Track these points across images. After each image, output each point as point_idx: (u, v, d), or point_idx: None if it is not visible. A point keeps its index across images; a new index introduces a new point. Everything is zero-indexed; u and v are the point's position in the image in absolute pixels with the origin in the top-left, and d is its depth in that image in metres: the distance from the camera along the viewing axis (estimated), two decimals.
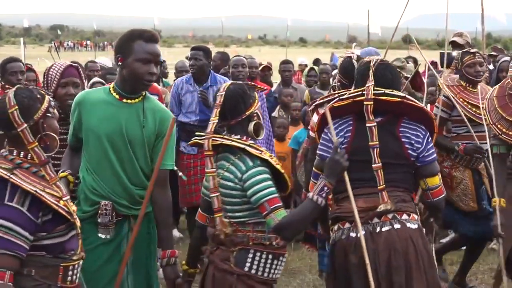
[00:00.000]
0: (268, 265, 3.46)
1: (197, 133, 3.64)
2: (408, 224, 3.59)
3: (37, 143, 2.91)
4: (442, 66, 7.87)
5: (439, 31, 74.55)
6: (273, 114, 7.87)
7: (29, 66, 6.88)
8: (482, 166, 5.54)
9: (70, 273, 2.95)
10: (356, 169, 3.54)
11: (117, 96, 3.71)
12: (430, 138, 3.70)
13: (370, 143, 3.60)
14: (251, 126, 3.48)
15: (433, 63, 10.02)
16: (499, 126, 4.60)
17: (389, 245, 3.56)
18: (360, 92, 3.65)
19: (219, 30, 51.62)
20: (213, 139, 3.43)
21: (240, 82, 3.69)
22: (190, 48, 6.77)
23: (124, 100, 3.70)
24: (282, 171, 3.47)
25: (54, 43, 24.05)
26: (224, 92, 3.49)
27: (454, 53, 7.22)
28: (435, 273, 3.81)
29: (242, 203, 3.40)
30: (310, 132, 5.13)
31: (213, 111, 3.49)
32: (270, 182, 3.35)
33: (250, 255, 3.43)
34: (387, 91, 3.62)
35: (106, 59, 10.42)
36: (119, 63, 3.66)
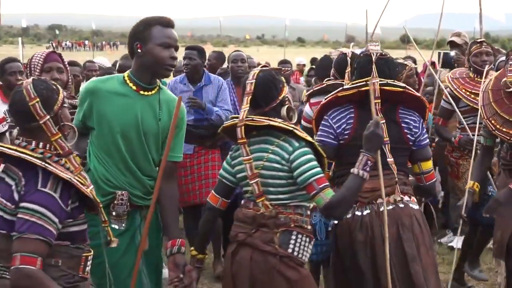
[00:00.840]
0: (306, 247, 3.49)
1: (232, 116, 3.68)
2: (411, 205, 3.82)
3: (60, 134, 2.93)
4: (441, 66, 7.89)
5: (437, 31, 74.36)
6: None
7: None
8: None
9: (88, 263, 2.99)
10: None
11: (134, 87, 3.63)
12: (423, 124, 3.93)
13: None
14: (283, 111, 3.48)
15: (432, 63, 10.01)
16: (492, 121, 4.45)
17: (396, 220, 3.74)
18: (364, 82, 3.79)
19: (218, 30, 51.62)
20: (258, 121, 3.38)
21: (268, 68, 3.67)
22: (184, 49, 6.74)
23: (141, 92, 3.64)
24: (324, 154, 3.48)
25: (52, 43, 24.06)
26: (254, 80, 3.48)
27: (452, 53, 7.24)
28: (434, 254, 4.02)
29: (288, 184, 3.41)
30: (303, 122, 5.16)
31: (244, 98, 3.47)
32: (316, 162, 3.37)
33: (293, 237, 3.44)
34: (389, 81, 3.82)
35: (104, 59, 10.42)
36: (138, 50, 3.57)
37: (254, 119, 3.38)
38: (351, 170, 3.40)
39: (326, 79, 5.22)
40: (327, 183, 3.35)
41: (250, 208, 3.48)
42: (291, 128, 3.38)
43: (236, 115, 3.55)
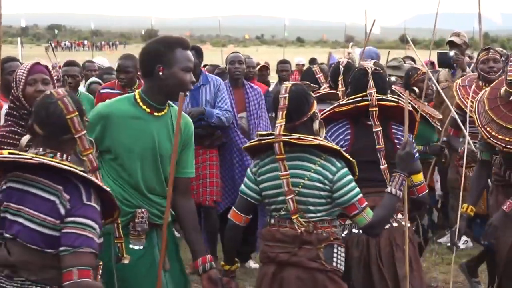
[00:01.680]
0: (343, 258, 3.56)
1: (259, 132, 3.66)
2: (403, 223, 3.92)
3: (92, 149, 2.96)
4: (439, 67, 7.89)
5: (437, 31, 74.39)
6: (269, 114, 7.86)
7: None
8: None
9: (100, 272, 3.00)
10: (358, 170, 3.61)
11: (147, 109, 3.56)
12: (413, 139, 4.14)
13: (377, 146, 3.96)
14: (316, 125, 3.50)
15: (430, 63, 10.00)
16: (488, 129, 4.28)
17: (390, 240, 3.96)
18: (361, 98, 3.98)
19: (217, 30, 51.61)
20: (306, 140, 3.39)
21: (300, 82, 3.70)
22: None
23: (155, 114, 3.58)
24: (354, 163, 3.52)
25: (51, 43, 24.02)
26: (287, 94, 3.49)
27: (451, 53, 7.23)
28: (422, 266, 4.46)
29: (326, 203, 3.45)
30: None
31: (279, 113, 3.47)
32: (355, 183, 3.45)
33: (335, 250, 3.50)
34: (384, 96, 4.03)
35: (103, 59, 10.42)
36: (160, 73, 3.49)
37: (302, 137, 3.39)
38: (387, 190, 3.55)
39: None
40: (366, 203, 3.44)
41: (287, 226, 3.47)
42: (338, 148, 3.47)
43: (265, 132, 3.64)
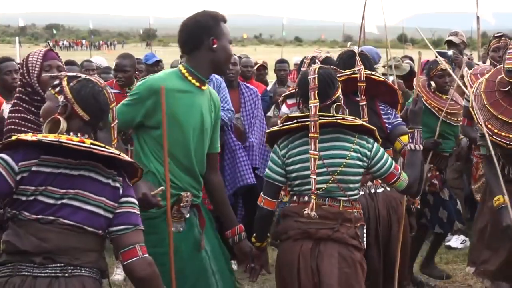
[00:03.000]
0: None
1: (290, 115, 3.70)
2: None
3: (117, 139, 3.04)
4: None
5: (435, 31, 74.58)
6: (268, 114, 7.85)
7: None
8: None
9: None
10: None
11: (196, 83, 3.56)
12: (396, 113, 4.48)
13: (362, 119, 4.12)
14: (333, 109, 3.61)
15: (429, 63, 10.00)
16: (489, 126, 4.05)
17: (387, 203, 4.38)
18: (352, 72, 4.33)
19: None
20: (351, 121, 3.52)
21: (327, 66, 3.78)
22: None
23: (202, 88, 3.58)
24: (379, 140, 3.69)
25: (49, 43, 24.00)
26: (316, 75, 3.59)
27: (450, 53, 7.23)
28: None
29: (359, 180, 3.63)
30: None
31: (310, 94, 3.55)
32: (386, 154, 3.68)
33: (364, 230, 3.71)
34: (373, 73, 4.41)
35: (101, 58, 10.40)
36: (214, 46, 3.50)
37: (346, 118, 3.51)
38: (409, 146, 3.77)
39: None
40: (400, 168, 3.67)
41: (325, 204, 3.56)
42: (374, 129, 3.62)
43: (292, 115, 3.68)
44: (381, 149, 3.63)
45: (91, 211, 2.75)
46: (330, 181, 3.53)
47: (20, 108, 3.64)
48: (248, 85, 6.96)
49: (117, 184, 2.82)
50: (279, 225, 3.73)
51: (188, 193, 3.57)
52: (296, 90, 3.78)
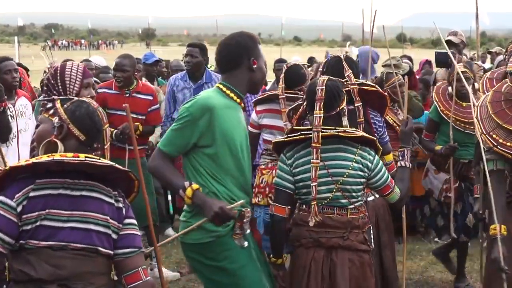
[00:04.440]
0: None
1: (294, 128, 3.86)
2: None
3: None
4: (437, 66, 7.89)
5: (434, 30, 74.53)
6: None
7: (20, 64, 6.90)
8: None
9: None
10: None
11: (237, 100, 3.64)
12: (385, 129, 4.62)
13: (358, 119, 4.32)
14: (345, 121, 3.78)
15: (428, 62, 10.02)
16: (494, 136, 3.85)
17: (376, 211, 4.63)
18: (344, 81, 4.31)
19: (214, 29, 51.60)
20: (352, 133, 3.66)
21: (334, 78, 3.90)
22: (183, 47, 6.73)
23: (241, 104, 3.69)
24: (381, 150, 3.85)
25: (48, 42, 23.95)
26: (324, 87, 3.72)
27: (448, 52, 7.21)
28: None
29: (362, 189, 3.76)
30: (249, 127, 5.11)
31: (316, 104, 3.70)
32: (384, 167, 3.84)
33: (371, 231, 3.89)
34: (363, 81, 4.54)
35: (100, 58, 10.38)
36: (254, 66, 3.62)
37: (347, 131, 3.66)
38: (399, 164, 3.99)
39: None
40: (394, 182, 3.84)
41: (334, 213, 3.69)
42: (375, 139, 3.79)
43: (297, 127, 3.86)
44: (381, 162, 3.77)
45: (101, 231, 2.74)
46: (334, 190, 3.66)
47: None
48: None
49: (120, 205, 2.81)
50: (290, 232, 3.80)
51: (248, 209, 3.66)
52: (304, 98, 3.94)
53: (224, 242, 3.52)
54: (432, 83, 7.75)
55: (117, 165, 2.77)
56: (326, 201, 3.68)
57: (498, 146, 3.81)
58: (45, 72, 7.92)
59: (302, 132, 3.70)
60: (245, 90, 3.68)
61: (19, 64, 6.93)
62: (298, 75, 5.18)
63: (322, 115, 3.67)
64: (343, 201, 3.69)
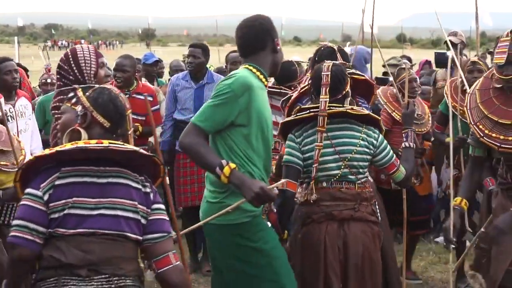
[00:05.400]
0: None
1: (302, 107, 3.94)
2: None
3: None
4: (437, 66, 7.89)
5: (434, 30, 74.59)
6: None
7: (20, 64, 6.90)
8: None
9: None
10: None
11: (265, 82, 3.64)
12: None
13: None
14: (347, 103, 3.96)
15: (427, 62, 10.01)
16: (480, 126, 3.80)
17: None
18: None
19: (214, 29, 51.60)
20: (359, 111, 3.87)
21: (337, 63, 4.06)
22: (183, 47, 6.74)
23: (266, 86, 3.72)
24: (384, 130, 4.12)
25: (46, 43, 23.98)
26: (329, 72, 3.90)
27: (448, 53, 7.21)
28: None
29: (368, 165, 3.97)
30: None
31: (322, 89, 3.88)
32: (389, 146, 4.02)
33: (377, 206, 4.05)
34: (353, 71, 4.64)
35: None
36: (278, 47, 3.65)
37: (354, 108, 3.89)
38: (404, 144, 4.16)
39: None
40: (399, 161, 4.01)
41: (343, 187, 3.89)
42: (379, 119, 4.02)
43: (305, 106, 3.98)
44: (385, 140, 3.97)
45: (129, 217, 2.75)
46: (342, 167, 3.85)
47: None
48: None
49: (148, 190, 2.81)
50: (298, 211, 3.91)
51: (276, 190, 3.59)
52: (310, 83, 4.08)
53: (258, 222, 3.54)
54: (432, 83, 7.75)
55: (141, 150, 2.77)
56: (335, 178, 3.87)
57: (484, 137, 3.77)
58: (44, 74, 7.92)
59: (311, 110, 3.85)
60: (268, 72, 3.66)
61: (18, 65, 6.93)
62: (289, 71, 5.21)
63: (328, 99, 3.83)
64: (351, 177, 3.88)
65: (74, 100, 2.92)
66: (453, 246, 4.06)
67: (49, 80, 7.31)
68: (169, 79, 8.46)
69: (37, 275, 2.71)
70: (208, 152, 3.42)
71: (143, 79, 7.60)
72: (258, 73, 3.58)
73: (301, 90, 4.55)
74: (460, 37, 7.71)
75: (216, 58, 14.68)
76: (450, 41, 7.57)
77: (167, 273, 2.78)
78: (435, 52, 7.60)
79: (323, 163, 3.85)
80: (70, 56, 3.63)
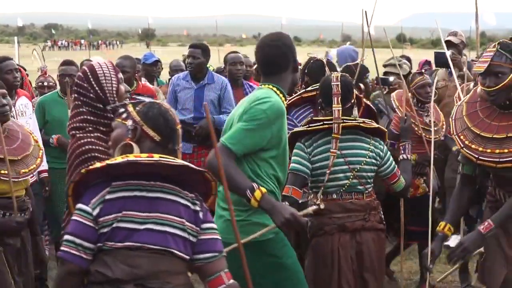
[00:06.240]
0: None
1: (314, 118, 4.06)
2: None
3: None
4: (436, 66, 7.89)
5: (434, 30, 74.55)
6: None
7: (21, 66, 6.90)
8: None
9: None
10: None
11: (285, 103, 3.63)
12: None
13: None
14: (355, 112, 4.13)
15: (427, 63, 10.01)
16: (461, 137, 3.73)
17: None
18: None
19: (214, 29, 51.59)
20: (369, 124, 4.00)
21: (344, 74, 4.17)
22: (183, 47, 6.75)
23: None
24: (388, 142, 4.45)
25: (46, 43, 23.96)
26: (339, 82, 4.01)
27: (448, 53, 7.22)
28: None
29: (374, 176, 4.08)
30: None
31: (334, 99, 3.98)
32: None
33: (382, 213, 4.15)
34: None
35: (100, 58, 10.38)
36: (298, 67, 3.71)
37: (366, 121, 4.03)
38: (401, 156, 4.39)
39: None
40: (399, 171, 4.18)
41: (352, 198, 4.00)
42: (385, 131, 4.18)
43: (315, 118, 4.07)
44: (389, 152, 4.12)
45: (176, 234, 2.71)
46: (351, 177, 3.96)
47: (90, 127, 3.41)
48: (251, 84, 7.00)
49: (197, 208, 2.78)
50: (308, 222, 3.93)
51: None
52: (318, 93, 4.15)
53: (281, 238, 3.56)
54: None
55: (192, 165, 2.74)
56: (344, 188, 3.97)
57: (464, 148, 3.71)
58: (40, 76, 7.91)
59: (324, 122, 3.95)
60: (287, 91, 3.64)
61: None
62: None
63: (341, 108, 3.94)
64: (360, 187, 4.00)
65: (124, 115, 2.90)
66: (430, 273, 4.00)
67: (45, 83, 7.28)
68: (169, 79, 8.47)
69: None
70: (239, 174, 3.38)
71: (143, 79, 7.60)
72: (280, 94, 3.56)
73: (292, 100, 4.74)
74: (460, 37, 7.70)
75: (216, 58, 14.66)
76: (450, 41, 7.60)
77: None
78: (434, 52, 7.58)
79: (333, 173, 3.95)
80: (88, 73, 3.49)
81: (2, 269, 4.01)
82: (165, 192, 2.72)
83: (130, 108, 2.89)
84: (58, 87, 6.47)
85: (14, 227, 4.08)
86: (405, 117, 4.60)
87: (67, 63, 6.52)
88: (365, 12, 5.65)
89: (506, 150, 3.56)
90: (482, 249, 3.89)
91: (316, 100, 4.30)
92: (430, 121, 5.41)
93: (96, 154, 3.26)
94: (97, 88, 3.45)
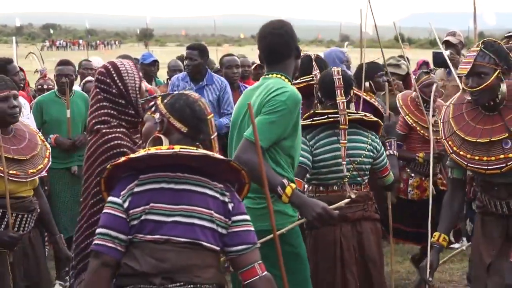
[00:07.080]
0: None
1: (316, 111, 4.16)
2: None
3: None
4: (434, 66, 7.89)
5: (432, 30, 74.38)
6: None
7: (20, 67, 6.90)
8: None
9: None
10: None
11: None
12: None
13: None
14: (352, 106, 4.25)
15: (425, 63, 10.01)
16: (450, 142, 3.67)
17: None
18: (310, 78, 4.78)
19: (212, 29, 51.63)
20: (370, 118, 4.17)
21: (344, 69, 4.29)
22: (181, 47, 6.75)
23: None
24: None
25: (44, 43, 23.96)
26: (340, 76, 4.16)
27: (447, 53, 7.22)
28: None
29: (370, 167, 4.23)
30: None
31: (337, 91, 4.12)
32: None
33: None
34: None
35: (99, 59, 10.37)
36: (301, 54, 3.72)
37: (367, 115, 4.21)
38: (388, 152, 4.47)
39: None
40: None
41: (353, 189, 4.13)
42: (382, 124, 4.34)
43: (317, 111, 4.19)
44: (382, 146, 4.27)
45: (205, 226, 2.71)
46: (351, 169, 4.11)
47: (114, 123, 3.36)
48: (246, 86, 6.98)
49: (226, 199, 2.77)
50: None
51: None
52: (319, 87, 4.29)
53: (297, 229, 3.57)
54: None
55: (214, 155, 2.73)
56: (344, 180, 4.12)
57: (453, 154, 3.67)
58: (39, 79, 7.91)
59: (329, 116, 4.07)
60: (292, 78, 3.67)
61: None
62: None
63: (345, 100, 4.08)
64: (359, 179, 4.17)
65: (153, 108, 2.91)
66: (429, 284, 3.73)
67: (45, 86, 7.30)
68: (167, 79, 8.46)
69: (115, 282, 2.71)
70: (269, 170, 3.37)
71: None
72: (288, 83, 3.57)
73: None
74: (459, 37, 7.71)
75: (215, 58, 14.66)
76: (449, 41, 7.60)
77: (254, 284, 2.76)
78: (433, 52, 7.60)
79: (335, 165, 4.11)
80: (111, 70, 3.50)
81: (2, 271, 3.95)
82: (192, 184, 2.72)
83: (159, 101, 2.91)
84: (56, 87, 6.47)
85: (6, 241, 3.92)
86: (388, 116, 4.73)
87: (64, 63, 6.52)
88: (367, 11, 5.63)
89: (493, 158, 3.55)
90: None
91: (314, 93, 4.55)
92: (435, 120, 5.41)
93: (125, 150, 3.22)
94: (120, 84, 3.44)
